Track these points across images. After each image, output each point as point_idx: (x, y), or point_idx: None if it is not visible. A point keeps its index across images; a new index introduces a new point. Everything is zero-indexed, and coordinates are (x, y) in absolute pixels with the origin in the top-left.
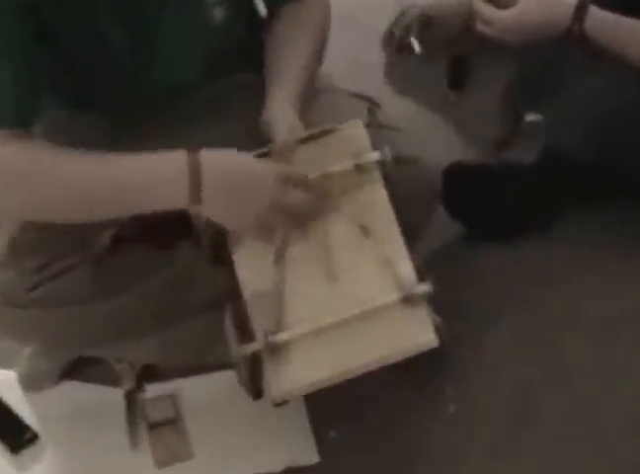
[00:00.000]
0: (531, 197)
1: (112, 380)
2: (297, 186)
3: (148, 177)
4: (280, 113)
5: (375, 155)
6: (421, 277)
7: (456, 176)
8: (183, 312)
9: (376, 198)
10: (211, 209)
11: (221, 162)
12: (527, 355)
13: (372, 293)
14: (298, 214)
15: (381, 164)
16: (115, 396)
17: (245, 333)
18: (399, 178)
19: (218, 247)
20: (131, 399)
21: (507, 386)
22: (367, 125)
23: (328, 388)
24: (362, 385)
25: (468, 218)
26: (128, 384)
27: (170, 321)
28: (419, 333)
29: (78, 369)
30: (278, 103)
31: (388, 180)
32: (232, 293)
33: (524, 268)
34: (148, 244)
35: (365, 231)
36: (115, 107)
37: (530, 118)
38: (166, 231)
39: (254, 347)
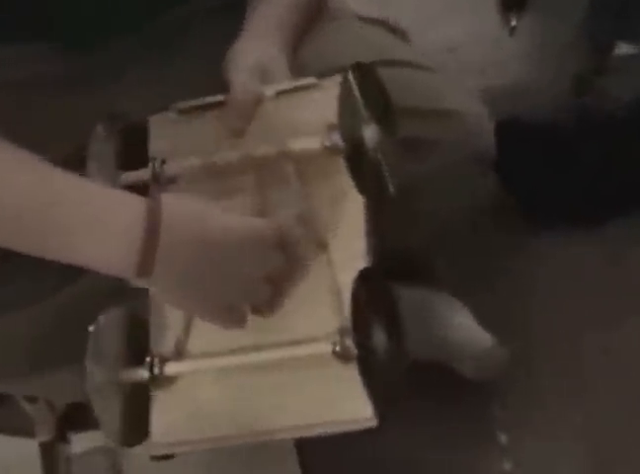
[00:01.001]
0: (623, 163)
1: (22, 428)
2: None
3: (85, 218)
4: (248, 51)
5: (335, 137)
6: (365, 328)
7: (515, 134)
8: None
9: (342, 198)
10: (164, 283)
11: (186, 219)
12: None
13: (309, 333)
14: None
15: (357, 150)
16: (27, 450)
17: (135, 353)
18: (429, 141)
19: None
20: (50, 454)
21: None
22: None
23: (323, 440)
24: (376, 439)
25: (530, 194)
26: (46, 434)
27: None
28: (350, 404)
29: None
30: (250, 34)
31: (372, 166)
32: None
33: (615, 270)
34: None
35: (322, 244)
36: (67, 35)
37: (623, 49)
38: None
39: (135, 374)
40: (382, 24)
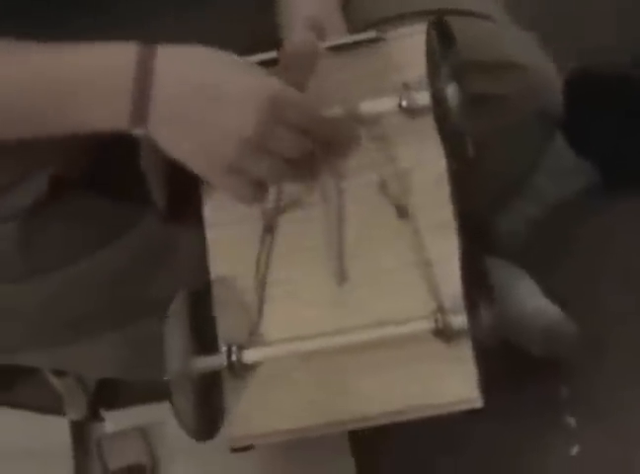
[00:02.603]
0: None
1: (52, 405)
2: (299, 123)
3: (79, 72)
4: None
5: (426, 97)
6: (470, 302)
7: (586, 89)
8: (154, 301)
9: (426, 162)
10: (163, 134)
11: (187, 62)
12: None
13: (395, 310)
14: (293, 160)
15: (442, 109)
16: (57, 429)
17: (200, 340)
18: (493, 97)
19: (177, 199)
20: (82, 434)
21: None
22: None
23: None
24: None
25: (605, 156)
26: (77, 411)
27: (135, 312)
28: (454, 384)
29: (3, 388)
30: None
31: (453, 128)
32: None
33: None
34: (106, 193)
35: (401, 210)
36: None
37: None
38: (134, 173)
39: (211, 362)
40: None
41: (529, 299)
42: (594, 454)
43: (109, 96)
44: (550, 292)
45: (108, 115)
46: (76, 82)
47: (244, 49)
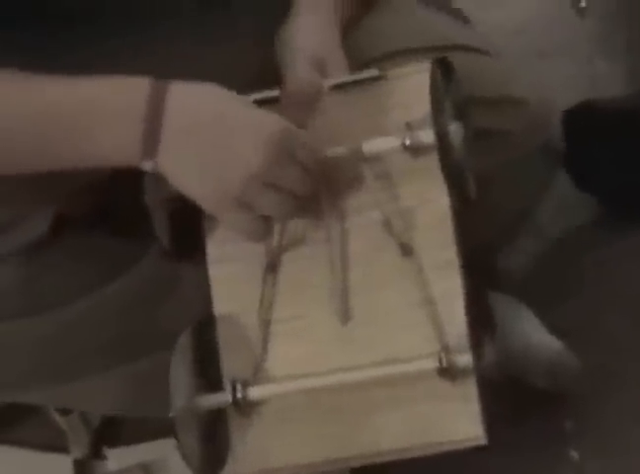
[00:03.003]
0: None
1: (55, 443)
2: (306, 161)
3: (90, 105)
4: (307, 35)
5: (430, 135)
6: (475, 340)
7: (586, 123)
8: (156, 338)
9: (430, 201)
10: (173, 167)
11: (198, 98)
12: None
13: (400, 349)
14: (299, 197)
15: (446, 148)
16: (60, 467)
17: (206, 377)
18: (494, 132)
19: (181, 236)
20: (85, 471)
21: None
22: (438, 72)
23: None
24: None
25: (606, 189)
26: (80, 449)
27: (138, 349)
28: (459, 423)
29: (5, 426)
30: (304, 18)
31: (456, 167)
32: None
33: None
34: (109, 230)
35: (405, 248)
36: (55, 17)
37: None
38: (136, 210)
39: (216, 400)
40: (443, 6)
41: (533, 334)
42: None
43: (120, 128)
44: (553, 327)
45: (119, 147)
46: (89, 114)
47: (242, 85)
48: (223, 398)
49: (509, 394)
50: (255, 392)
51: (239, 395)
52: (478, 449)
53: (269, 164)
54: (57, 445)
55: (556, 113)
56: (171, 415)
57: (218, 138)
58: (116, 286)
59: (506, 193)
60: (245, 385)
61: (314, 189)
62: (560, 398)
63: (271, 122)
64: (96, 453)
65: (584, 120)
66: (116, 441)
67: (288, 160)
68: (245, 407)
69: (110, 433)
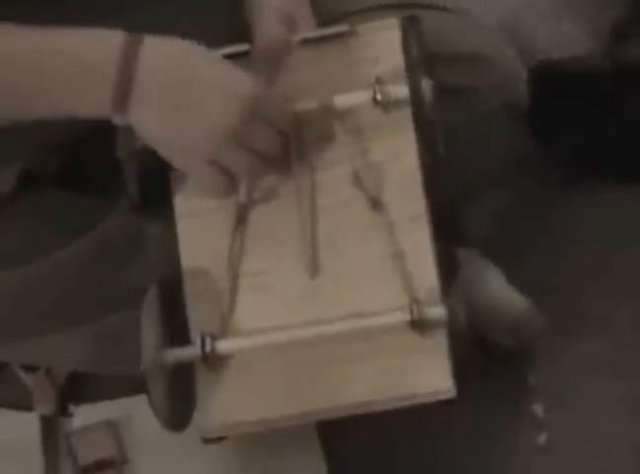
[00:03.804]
0: None
1: (21, 400)
2: (278, 123)
3: (67, 56)
4: None
5: (404, 91)
6: (446, 291)
7: (550, 81)
8: (122, 295)
9: (400, 155)
10: (144, 121)
11: (172, 53)
12: None
13: (369, 302)
14: (270, 156)
15: (417, 103)
16: (26, 424)
17: (173, 331)
18: (459, 89)
19: (150, 191)
20: (51, 429)
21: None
22: (410, 29)
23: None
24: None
25: (568, 147)
26: (46, 406)
27: (104, 307)
28: (429, 375)
29: None
30: None
31: (427, 122)
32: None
33: None
34: (74, 189)
35: (375, 202)
36: None
37: None
38: (103, 168)
39: (184, 353)
40: None
41: (498, 290)
42: (561, 442)
43: (93, 81)
44: (517, 283)
45: (92, 99)
46: (66, 64)
47: (213, 42)
48: (191, 351)
49: (473, 350)
50: (223, 345)
51: (207, 348)
52: (443, 405)
53: (239, 125)
54: (23, 403)
55: (521, 70)
56: (142, 368)
57: (190, 95)
58: (81, 243)
59: (470, 149)
60: (213, 338)
61: (284, 149)
62: (523, 354)
63: (245, 84)
64: (62, 410)
65: (548, 79)
66: (81, 399)
67: (260, 122)
68: (213, 360)
69: (75, 390)
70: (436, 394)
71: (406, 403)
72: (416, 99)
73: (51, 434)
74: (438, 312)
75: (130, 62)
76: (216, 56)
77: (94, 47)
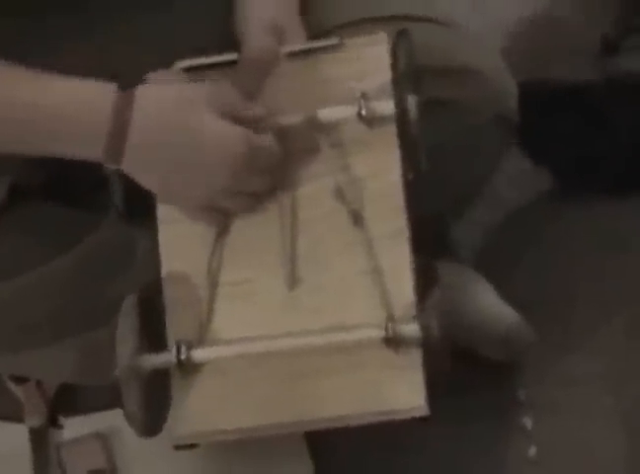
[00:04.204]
0: None
1: (11, 412)
2: (270, 167)
3: (59, 111)
4: (265, 2)
5: (389, 107)
6: (422, 306)
7: (540, 97)
8: (111, 306)
9: (383, 171)
10: (137, 176)
11: (163, 109)
12: None
13: (346, 317)
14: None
15: (401, 118)
16: (16, 436)
17: (150, 339)
18: (448, 103)
19: (137, 203)
20: (41, 441)
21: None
22: (399, 45)
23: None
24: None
25: (559, 161)
26: (36, 418)
27: (92, 319)
28: (402, 392)
29: None
30: None
31: (411, 139)
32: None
33: None
34: (63, 202)
35: (356, 217)
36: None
37: None
38: (91, 181)
39: (160, 360)
40: None
41: (488, 304)
42: (551, 455)
43: (85, 136)
44: (508, 297)
45: (84, 152)
46: (58, 121)
47: (216, 48)
48: (167, 358)
49: (461, 363)
50: (199, 354)
51: (183, 356)
52: (424, 422)
53: (234, 180)
54: (13, 414)
55: (512, 83)
56: (115, 373)
57: (183, 154)
58: (69, 256)
59: (460, 163)
60: (189, 346)
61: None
62: (513, 367)
63: (236, 140)
64: (52, 422)
65: (538, 93)
66: (71, 410)
67: (255, 172)
68: (188, 368)
69: (65, 402)
70: (408, 411)
71: (380, 419)
72: (401, 115)
73: (41, 445)
74: (412, 330)
75: (123, 124)
76: (209, 107)
77: (87, 106)
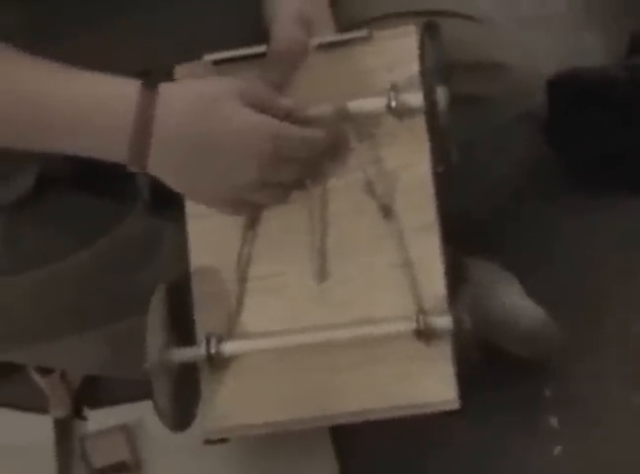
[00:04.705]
0: None
1: (36, 403)
2: (300, 156)
3: (80, 111)
4: None
5: (418, 99)
6: (453, 300)
7: (569, 92)
8: (138, 298)
9: (413, 164)
10: (164, 175)
11: (186, 106)
12: None
13: (376, 310)
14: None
15: (430, 110)
16: (40, 427)
17: (179, 332)
18: (477, 98)
19: (163, 195)
20: (65, 432)
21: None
22: (427, 36)
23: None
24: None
25: (585, 158)
26: (61, 409)
27: (118, 310)
28: (433, 385)
29: None
30: None
31: (441, 131)
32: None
33: None
34: (92, 191)
35: (386, 210)
36: None
37: None
38: (119, 172)
39: (189, 353)
40: None
41: (514, 301)
42: (576, 455)
43: (109, 138)
44: (534, 294)
45: (107, 154)
46: (79, 120)
47: (246, 41)
48: (197, 352)
49: (487, 360)
50: (228, 347)
51: (212, 350)
52: (455, 415)
53: (261, 171)
54: (38, 406)
55: (540, 80)
56: (145, 367)
57: (209, 147)
58: (97, 247)
59: (486, 158)
60: (219, 340)
61: (312, 171)
62: (539, 365)
63: (261, 129)
64: (76, 414)
65: (566, 89)
66: (96, 402)
67: (282, 163)
68: (218, 362)
69: (90, 393)
70: (439, 404)
71: (410, 412)
72: (430, 107)
73: (65, 437)
74: (443, 322)
75: (146, 124)
76: (233, 98)
77: (108, 105)
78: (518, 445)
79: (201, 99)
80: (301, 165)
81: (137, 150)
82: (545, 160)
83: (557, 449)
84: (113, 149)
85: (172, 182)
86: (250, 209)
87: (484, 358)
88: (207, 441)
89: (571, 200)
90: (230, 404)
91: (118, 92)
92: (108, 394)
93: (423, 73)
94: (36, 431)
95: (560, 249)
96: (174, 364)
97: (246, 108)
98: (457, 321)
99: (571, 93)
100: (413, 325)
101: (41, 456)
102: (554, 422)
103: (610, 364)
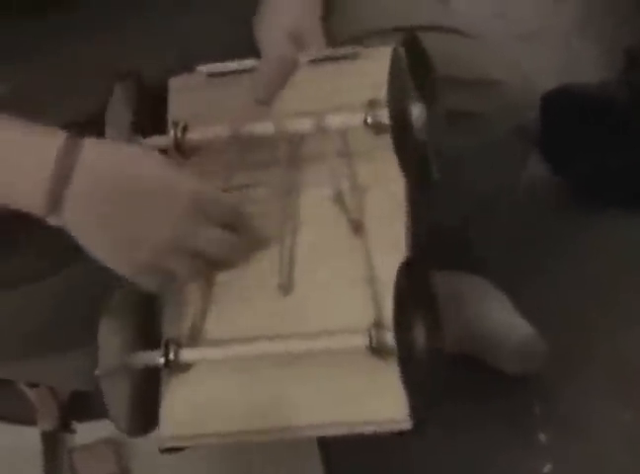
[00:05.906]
0: None
1: (24, 414)
2: (223, 221)
3: (4, 152)
4: (286, 9)
5: (384, 114)
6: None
7: (563, 107)
8: None
9: (386, 180)
10: (79, 229)
11: (109, 161)
12: None
13: (335, 324)
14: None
15: (399, 128)
16: (28, 439)
17: (143, 337)
18: (470, 114)
19: None
20: (53, 445)
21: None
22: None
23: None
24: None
25: (579, 174)
26: (48, 422)
27: None
28: (384, 404)
29: None
30: None
31: (418, 147)
32: None
33: None
34: None
35: (356, 225)
36: None
37: None
38: None
39: (148, 358)
40: None
41: (502, 316)
42: (566, 472)
43: (27, 184)
44: (523, 309)
45: (25, 203)
46: (2, 161)
47: (244, 51)
48: (155, 357)
49: (475, 376)
50: (187, 354)
51: (171, 356)
52: (407, 437)
53: (180, 232)
54: (26, 418)
55: (533, 95)
56: (97, 373)
57: (128, 206)
58: (80, 264)
59: (479, 174)
60: (178, 346)
61: (235, 246)
62: (528, 381)
63: (182, 189)
64: (64, 426)
65: (560, 104)
66: (84, 415)
67: (202, 224)
68: (177, 369)
69: (79, 406)
70: (390, 423)
71: (361, 430)
72: (403, 124)
73: (53, 449)
74: (390, 339)
75: (66, 171)
76: (156, 161)
77: (32, 149)
78: (506, 462)
79: (128, 156)
80: (225, 237)
81: (53, 199)
82: (539, 176)
83: (547, 467)
84: (29, 196)
85: (90, 241)
86: (167, 279)
87: (472, 374)
88: (162, 450)
89: (566, 216)
90: (185, 412)
91: (43, 140)
92: (96, 407)
93: (390, 90)
94: (23, 442)
95: (553, 264)
96: (133, 368)
97: (166, 166)
98: (406, 340)
99: (565, 109)
100: (366, 341)
101: (29, 468)
102: (544, 439)
103: (600, 381)
